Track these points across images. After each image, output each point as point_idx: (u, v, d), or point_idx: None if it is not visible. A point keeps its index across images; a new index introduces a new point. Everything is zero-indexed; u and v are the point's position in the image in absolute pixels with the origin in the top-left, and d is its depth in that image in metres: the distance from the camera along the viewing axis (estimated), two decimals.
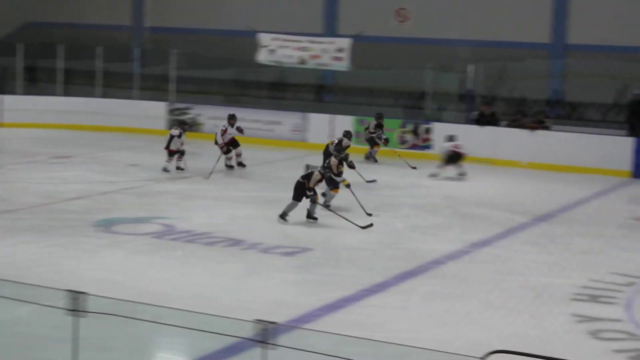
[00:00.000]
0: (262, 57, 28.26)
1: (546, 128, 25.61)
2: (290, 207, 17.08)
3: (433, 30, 29.34)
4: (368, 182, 20.79)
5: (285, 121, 27.92)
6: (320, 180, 17.06)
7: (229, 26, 31.72)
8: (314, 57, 27.78)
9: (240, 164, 22.89)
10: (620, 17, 27.26)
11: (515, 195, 21.16)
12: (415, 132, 26.20)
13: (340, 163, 17.81)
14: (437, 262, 14.72)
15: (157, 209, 18.18)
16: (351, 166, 18.84)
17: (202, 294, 12.69)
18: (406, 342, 10.15)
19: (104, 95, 30.81)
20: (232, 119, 22.84)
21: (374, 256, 15.06)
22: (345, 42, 27.52)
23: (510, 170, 23.72)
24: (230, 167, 22.84)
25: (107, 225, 16.74)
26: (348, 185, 17.92)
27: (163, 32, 33.26)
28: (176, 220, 17.21)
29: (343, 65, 27.55)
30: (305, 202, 17.12)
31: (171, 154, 22.29)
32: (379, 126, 25.03)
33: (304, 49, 27.90)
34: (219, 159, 22.25)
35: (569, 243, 16.38)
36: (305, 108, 28.70)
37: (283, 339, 7.44)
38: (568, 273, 14.40)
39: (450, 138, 22.66)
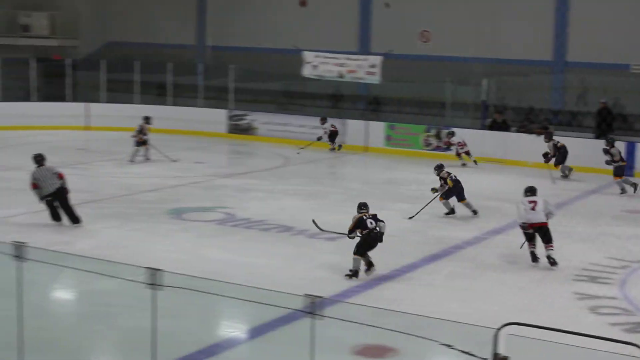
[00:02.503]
0: (307, 71, 28.22)
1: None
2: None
3: (452, 49, 29.17)
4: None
5: (326, 126, 27.82)
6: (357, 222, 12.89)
7: (278, 45, 31.70)
8: (351, 71, 27.68)
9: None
10: (611, 38, 26.93)
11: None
12: (437, 136, 26.07)
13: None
14: (458, 247, 14.65)
15: (220, 200, 18.21)
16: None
17: (258, 271, 12.71)
18: (432, 315, 10.11)
19: (174, 104, 30.91)
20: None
21: (403, 242, 15.00)
22: (377, 59, 27.40)
23: (519, 169, 23.47)
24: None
25: (178, 213, 16.83)
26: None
27: (223, 50, 33.27)
28: (236, 209, 17.25)
29: (375, 79, 27.43)
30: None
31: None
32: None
33: (342, 64, 27.81)
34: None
35: (570, 232, 16.21)
36: (344, 115, 28.68)
37: (328, 311, 7.42)
38: (570, 257, 14.26)
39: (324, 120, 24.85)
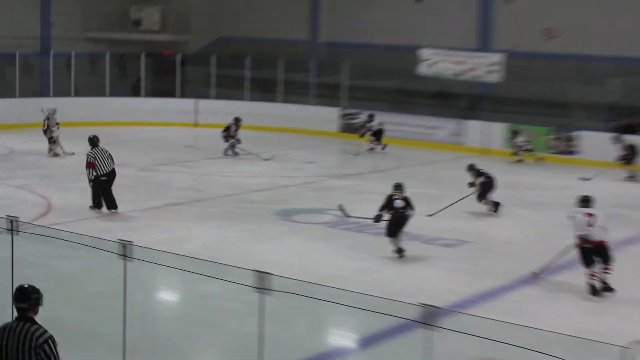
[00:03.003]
0: (423, 69, 28.00)
1: None
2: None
3: (578, 46, 28.44)
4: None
5: (443, 126, 27.55)
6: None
7: (394, 41, 31.52)
8: (470, 69, 27.36)
9: None
10: None
11: None
12: (562, 139, 25.51)
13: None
14: None
15: (331, 202, 18.15)
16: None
17: (371, 278, 12.58)
18: (557, 330, 9.78)
19: (284, 101, 31.09)
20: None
21: (526, 250, 14.64)
22: (498, 57, 27.01)
23: None
24: None
25: (287, 215, 16.85)
26: None
27: (336, 46, 33.29)
28: (347, 212, 17.12)
29: (495, 78, 27.03)
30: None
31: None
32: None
33: (460, 62, 27.52)
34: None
35: None
36: (461, 115, 28.30)
37: (444, 322, 7.23)
38: None
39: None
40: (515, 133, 25.17)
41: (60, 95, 29.46)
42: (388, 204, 13.62)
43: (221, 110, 29.71)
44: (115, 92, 30.85)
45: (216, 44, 35.53)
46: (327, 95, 30.99)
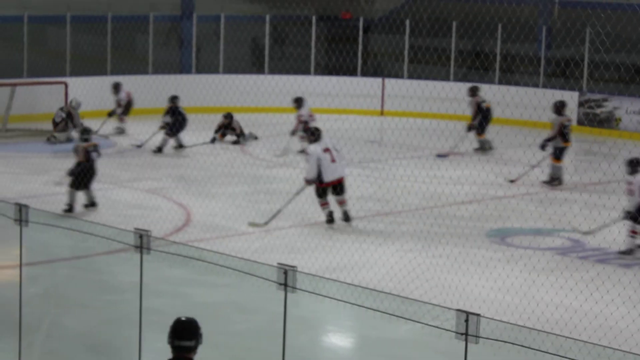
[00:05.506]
0: None
1: None
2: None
3: None
4: None
5: None
6: None
7: None
8: None
9: None
10: None
11: None
12: None
13: None
14: None
15: (563, 220, 18.03)
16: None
17: (614, 325, 12.45)
18: None
19: (502, 81, 30.98)
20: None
21: None
22: None
23: None
24: None
25: (501, 236, 16.87)
26: None
27: (576, 6, 32.96)
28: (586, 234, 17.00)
29: None
30: None
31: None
32: None
33: None
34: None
35: None
36: None
37: None
38: None
39: None
40: None
41: (205, 72, 30.36)
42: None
43: (416, 93, 29.93)
44: (276, 69, 31.50)
45: (411, 4, 35.81)
46: (561, 74, 30.69)
